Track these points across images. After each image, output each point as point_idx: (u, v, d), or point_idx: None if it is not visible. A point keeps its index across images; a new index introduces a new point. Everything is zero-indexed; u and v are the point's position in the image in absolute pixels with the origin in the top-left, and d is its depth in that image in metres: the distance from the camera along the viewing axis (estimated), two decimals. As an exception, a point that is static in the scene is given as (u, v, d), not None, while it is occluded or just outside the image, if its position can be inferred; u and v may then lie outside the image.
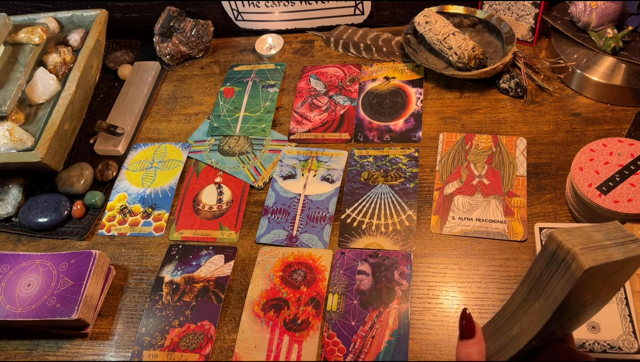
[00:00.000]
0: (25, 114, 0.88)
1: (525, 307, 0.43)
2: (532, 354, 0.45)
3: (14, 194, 0.86)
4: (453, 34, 0.87)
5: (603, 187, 0.66)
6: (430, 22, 0.90)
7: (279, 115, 0.92)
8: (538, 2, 0.86)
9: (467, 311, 0.47)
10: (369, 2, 0.99)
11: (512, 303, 0.45)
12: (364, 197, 0.78)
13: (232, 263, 0.75)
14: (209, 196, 0.83)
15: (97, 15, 0.97)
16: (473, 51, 0.85)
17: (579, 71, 0.82)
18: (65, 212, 0.83)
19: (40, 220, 0.82)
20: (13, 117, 0.86)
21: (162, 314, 0.71)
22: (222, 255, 0.76)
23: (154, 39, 1.01)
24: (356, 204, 0.77)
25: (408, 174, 0.79)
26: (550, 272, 0.40)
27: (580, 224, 0.66)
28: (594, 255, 0.37)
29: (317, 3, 1.00)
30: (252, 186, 0.83)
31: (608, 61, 0.81)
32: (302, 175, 0.82)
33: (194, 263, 0.75)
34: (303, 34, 1.05)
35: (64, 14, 0.99)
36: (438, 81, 0.90)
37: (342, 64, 0.97)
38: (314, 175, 0.81)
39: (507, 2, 0.89)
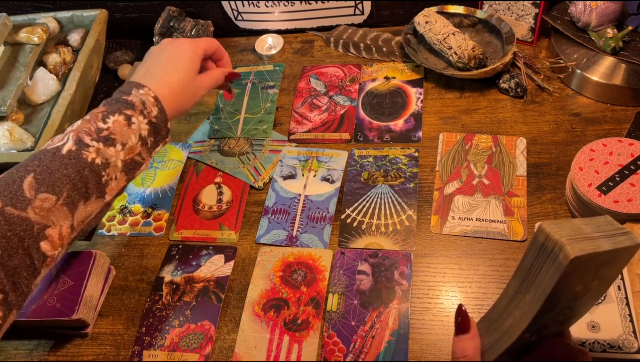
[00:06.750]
0: (25, 114, 0.88)
1: (517, 299, 0.43)
2: (528, 348, 0.46)
3: (14, 194, 0.85)
4: (453, 34, 0.87)
5: (603, 187, 0.66)
6: (430, 22, 0.90)
7: (279, 115, 0.92)
8: (538, 2, 0.86)
9: (463, 307, 0.48)
10: (369, 2, 0.99)
11: (505, 296, 0.45)
12: (364, 197, 0.78)
13: (232, 263, 0.75)
14: (208, 196, 0.83)
15: (97, 15, 0.97)
16: (473, 51, 0.85)
17: (579, 71, 0.82)
18: (65, 212, 0.83)
19: (40, 220, 0.82)
20: (13, 117, 0.86)
21: (162, 314, 0.71)
22: (222, 255, 0.76)
23: (154, 39, 1.01)
24: (356, 204, 0.77)
25: (408, 174, 0.79)
26: (540, 263, 0.40)
27: (571, 219, 0.66)
28: (582, 245, 0.38)
29: (317, 3, 1.00)
30: (252, 186, 0.83)
31: (608, 61, 0.81)
32: (302, 175, 0.82)
33: (194, 263, 0.75)
34: (303, 34, 1.05)
35: (64, 14, 0.99)
36: (438, 81, 0.90)
37: (342, 64, 0.97)
38: (314, 176, 0.81)
39: (507, 2, 0.89)
